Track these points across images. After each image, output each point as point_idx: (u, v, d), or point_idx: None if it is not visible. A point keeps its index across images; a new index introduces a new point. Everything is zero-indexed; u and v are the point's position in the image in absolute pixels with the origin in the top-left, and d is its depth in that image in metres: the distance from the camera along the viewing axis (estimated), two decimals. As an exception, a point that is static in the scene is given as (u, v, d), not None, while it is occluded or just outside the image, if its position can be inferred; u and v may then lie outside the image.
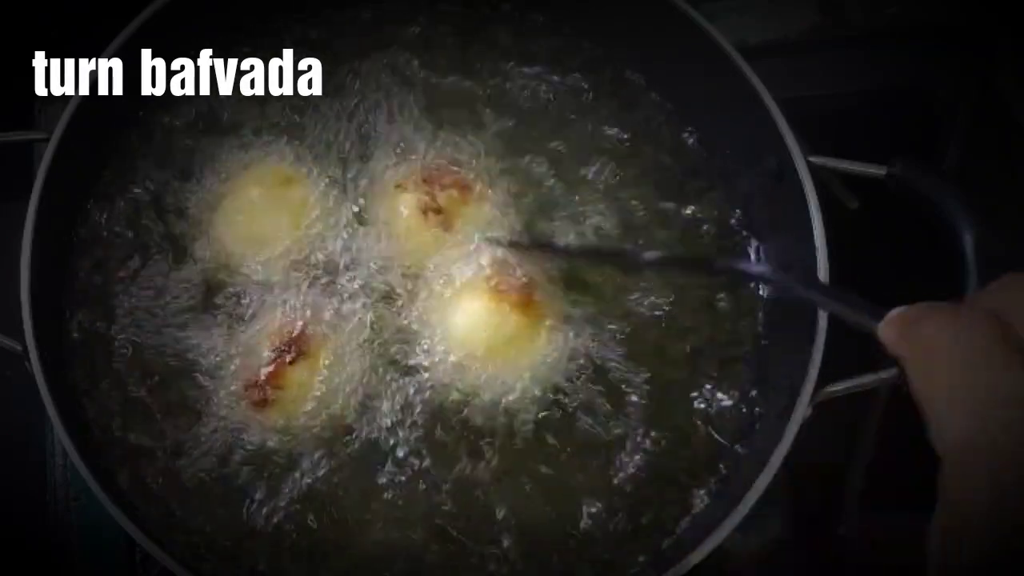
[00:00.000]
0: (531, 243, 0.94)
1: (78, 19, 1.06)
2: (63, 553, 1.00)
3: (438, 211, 0.93)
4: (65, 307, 0.93)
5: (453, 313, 0.91)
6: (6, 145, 0.92)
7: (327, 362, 0.90)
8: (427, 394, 0.91)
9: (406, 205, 0.94)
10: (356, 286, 0.94)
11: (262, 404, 0.88)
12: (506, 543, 0.88)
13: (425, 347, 0.92)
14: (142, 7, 0.92)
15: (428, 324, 0.92)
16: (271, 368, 0.88)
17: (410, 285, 0.94)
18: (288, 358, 0.88)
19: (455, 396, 0.90)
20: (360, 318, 0.92)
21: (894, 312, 0.56)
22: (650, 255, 0.91)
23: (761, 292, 0.97)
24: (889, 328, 0.56)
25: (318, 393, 0.89)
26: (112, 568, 0.99)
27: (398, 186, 0.95)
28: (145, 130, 0.99)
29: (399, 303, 0.94)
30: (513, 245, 0.93)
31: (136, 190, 0.97)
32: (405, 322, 0.93)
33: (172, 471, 0.89)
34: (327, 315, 0.92)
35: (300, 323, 0.91)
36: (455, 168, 0.96)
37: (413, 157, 0.98)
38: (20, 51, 0.95)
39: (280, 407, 0.89)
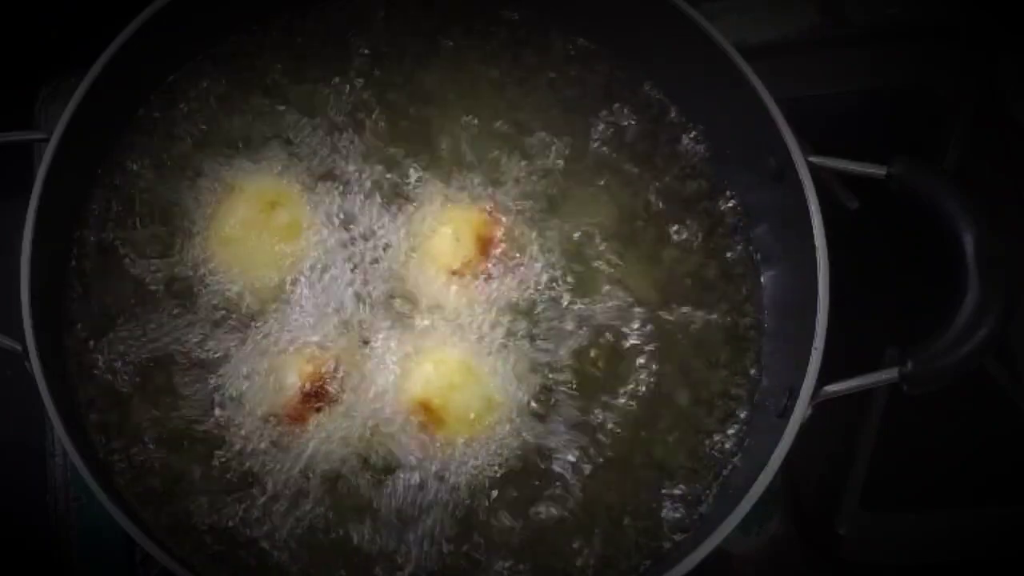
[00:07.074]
0: None
1: (78, 19, 1.06)
2: (63, 553, 1.00)
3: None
4: (65, 306, 0.93)
5: None
6: (6, 145, 0.92)
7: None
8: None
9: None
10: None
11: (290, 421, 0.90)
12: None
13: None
14: (142, 7, 0.92)
15: None
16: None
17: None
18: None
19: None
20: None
21: None
22: None
23: (760, 292, 0.98)
24: None
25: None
26: (112, 568, 0.99)
27: None
28: (146, 130, 0.99)
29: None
30: None
31: (137, 190, 0.97)
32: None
33: (171, 470, 0.89)
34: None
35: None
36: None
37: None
38: (20, 51, 0.95)
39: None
